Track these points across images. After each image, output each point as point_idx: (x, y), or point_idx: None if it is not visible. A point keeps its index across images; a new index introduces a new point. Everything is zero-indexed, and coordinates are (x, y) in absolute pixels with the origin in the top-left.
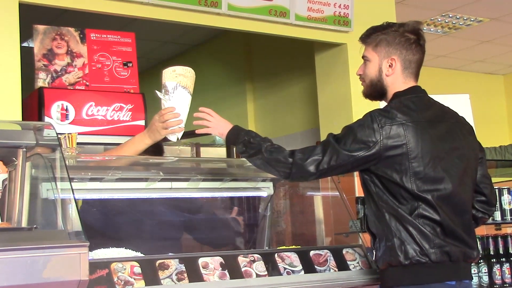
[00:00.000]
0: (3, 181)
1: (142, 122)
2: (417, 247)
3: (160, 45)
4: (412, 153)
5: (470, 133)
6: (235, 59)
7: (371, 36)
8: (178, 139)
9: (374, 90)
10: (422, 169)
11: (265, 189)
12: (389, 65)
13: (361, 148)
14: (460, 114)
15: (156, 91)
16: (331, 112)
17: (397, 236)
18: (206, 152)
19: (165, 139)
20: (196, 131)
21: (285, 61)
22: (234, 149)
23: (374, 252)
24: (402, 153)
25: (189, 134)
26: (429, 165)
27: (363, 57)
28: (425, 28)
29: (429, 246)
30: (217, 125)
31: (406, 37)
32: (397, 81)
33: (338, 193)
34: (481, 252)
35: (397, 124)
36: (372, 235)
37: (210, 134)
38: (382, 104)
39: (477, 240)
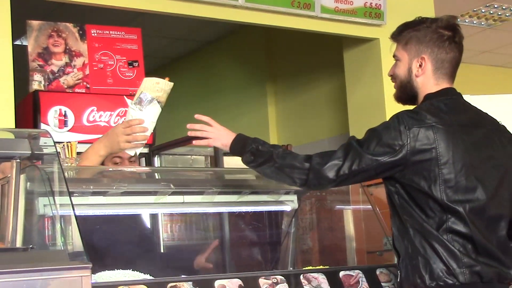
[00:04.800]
0: None
1: None
2: (443, 266)
3: (169, 42)
4: (442, 158)
5: (511, 142)
6: (254, 58)
7: (402, 34)
8: (136, 154)
9: (404, 93)
10: (453, 176)
11: (288, 203)
12: (419, 65)
13: (386, 152)
14: (507, 116)
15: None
16: (362, 116)
17: (422, 254)
18: (223, 162)
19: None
20: (194, 142)
21: (310, 59)
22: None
23: (399, 273)
24: (431, 158)
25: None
26: (461, 173)
27: (394, 56)
28: (467, 21)
29: (457, 265)
30: (219, 135)
31: (439, 33)
32: (428, 82)
33: (370, 206)
34: None
35: (426, 126)
36: (397, 252)
37: (209, 146)
38: None
39: None
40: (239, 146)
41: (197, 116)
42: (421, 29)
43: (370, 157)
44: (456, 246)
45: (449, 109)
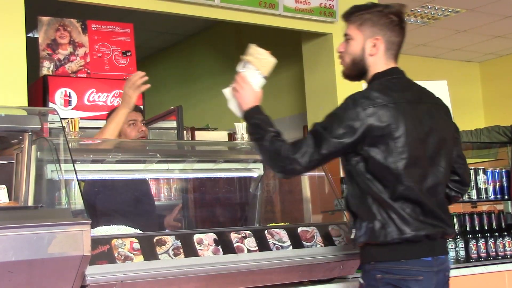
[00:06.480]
0: None
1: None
2: (397, 230)
3: (157, 35)
4: (395, 133)
5: (447, 114)
6: (228, 48)
7: (355, 14)
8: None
9: (355, 69)
10: (406, 149)
11: (255, 170)
12: (373, 45)
13: (348, 133)
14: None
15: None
16: (317, 98)
17: (378, 219)
18: (200, 136)
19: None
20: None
21: (274, 50)
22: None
23: (354, 231)
24: (385, 133)
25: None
26: (410, 145)
27: (345, 35)
28: (405, 19)
29: (409, 229)
30: (244, 94)
31: (391, 18)
32: (379, 61)
33: (324, 173)
34: (458, 228)
35: (379, 105)
36: (352, 214)
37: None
38: (364, 86)
39: (454, 217)
40: (250, 116)
41: (241, 74)
42: (375, 13)
43: (335, 141)
44: (408, 211)
45: (396, 87)
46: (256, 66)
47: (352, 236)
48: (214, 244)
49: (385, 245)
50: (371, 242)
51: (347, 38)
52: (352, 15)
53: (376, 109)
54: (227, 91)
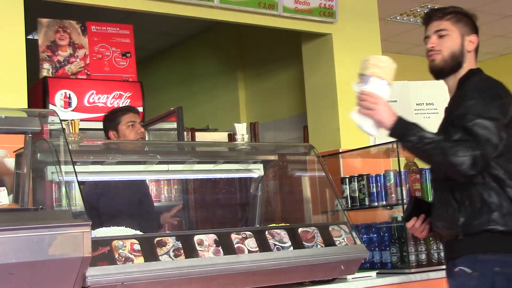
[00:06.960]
0: None
1: (140, 109)
2: None
3: (156, 37)
4: None
5: None
6: (228, 49)
7: (448, 10)
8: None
9: (452, 64)
10: None
11: (256, 171)
12: (470, 42)
13: (503, 112)
14: (440, 99)
15: (354, 83)
16: (317, 98)
17: (498, 205)
18: (201, 137)
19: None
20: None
21: (274, 50)
22: None
23: (462, 219)
24: None
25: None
26: None
27: (440, 30)
28: (405, 19)
29: None
30: (381, 110)
31: (475, 23)
32: (473, 58)
33: (324, 173)
34: None
35: (508, 93)
36: (461, 200)
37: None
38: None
39: None
40: (402, 128)
41: (364, 91)
42: (464, 14)
43: (496, 123)
44: None
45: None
46: (381, 76)
47: (460, 224)
48: (214, 245)
49: (505, 234)
50: (492, 228)
51: (443, 33)
52: (445, 11)
53: (509, 95)
54: (355, 115)
